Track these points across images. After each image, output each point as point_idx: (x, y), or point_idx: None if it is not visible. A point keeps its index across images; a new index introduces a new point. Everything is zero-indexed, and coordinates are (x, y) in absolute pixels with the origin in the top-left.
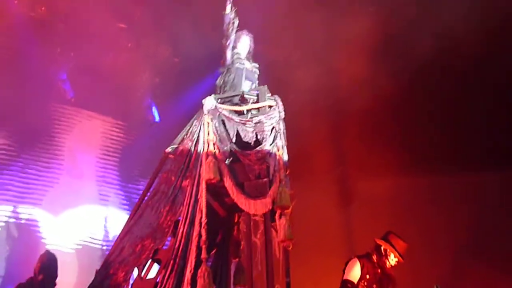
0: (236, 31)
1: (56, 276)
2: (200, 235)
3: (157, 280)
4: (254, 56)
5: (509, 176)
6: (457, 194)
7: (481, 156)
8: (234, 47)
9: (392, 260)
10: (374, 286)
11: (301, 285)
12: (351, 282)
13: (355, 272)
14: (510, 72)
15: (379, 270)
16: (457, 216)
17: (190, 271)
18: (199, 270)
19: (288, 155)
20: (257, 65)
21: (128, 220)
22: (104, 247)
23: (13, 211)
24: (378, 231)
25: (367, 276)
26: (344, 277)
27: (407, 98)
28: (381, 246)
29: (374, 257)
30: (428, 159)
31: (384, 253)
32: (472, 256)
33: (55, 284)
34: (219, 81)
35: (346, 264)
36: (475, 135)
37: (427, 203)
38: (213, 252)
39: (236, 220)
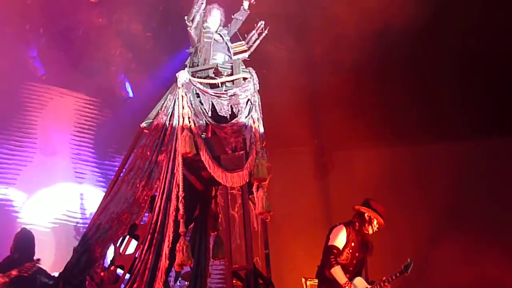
0: (207, 4)
1: (33, 254)
2: (177, 209)
3: (136, 255)
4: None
5: (486, 144)
6: (434, 163)
7: (457, 126)
8: (204, 21)
9: (375, 226)
10: (357, 254)
11: (280, 256)
12: (337, 248)
13: (341, 239)
14: (487, 43)
15: (360, 238)
16: (435, 185)
17: (168, 246)
18: (177, 244)
19: (264, 128)
20: (228, 37)
21: (104, 197)
22: (81, 225)
23: None
24: (355, 201)
25: (352, 244)
26: (330, 243)
27: (382, 70)
28: (364, 213)
29: (357, 225)
30: (404, 130)
31: (367, 220)
32: (449, 224)
33: (33, 261)
34: (188, 62)
35: (330, 231)
36: (451, 105)
37: (404, 172)
38: (191, 226)
39: (213, 194)
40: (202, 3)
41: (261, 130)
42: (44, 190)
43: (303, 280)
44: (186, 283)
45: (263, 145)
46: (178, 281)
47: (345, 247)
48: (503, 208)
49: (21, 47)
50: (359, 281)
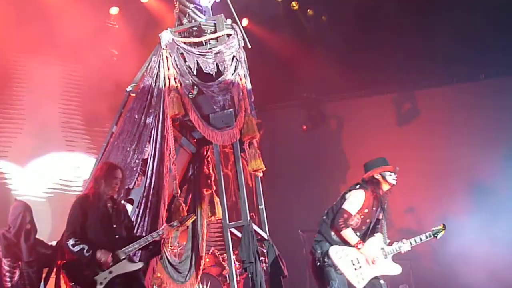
0: None
1: (28, 225)
2: (170, 171)
3: (132, 219)
4: None
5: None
6: (426, 106)
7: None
8: None
9: (390, 179)
10: (368, 220)
11: (276, 210)
12: (348, 213)
13: (356, 204)
14: None
15: (376, 202)
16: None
17: (164, 208)
18: (172, 205)
19: (252, 84)
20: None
21: (95, 163)
22: (76, 193)
23: None
24: (347, 151)
25: (366, 210)
26: (343, 206)
27: (368, 17)
28: (373, 176)
29: (372, 189)
30: (393, 76)
31: (380, 179)
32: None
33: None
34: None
35: (348, 191)
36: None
37: (388, 117)
38: (185, 187)
39: (205, 154)
40: None
41: (249, 86)
42: (36, 160)
43: (300, 232)
44: (184, 243)
45: (252, 101)
46: (176, 241)
47: (357, 212)
48: None
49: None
50: (372, 241)
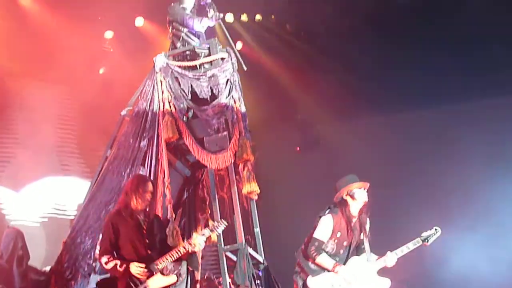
0: None
1: (20, 253)
2: (164, 195)
3: None
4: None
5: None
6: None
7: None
8: (181, 2)
9: (360, 198)
10: (345, 243)
11: (271, 233)
12: (319, 241)
13: (326, 230)
14: None
15: (349, 225)
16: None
17: None
18: (167, 230)
19: (246, 107)
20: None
21: (90, 187)
22: (70, 217)
23: None
24: (342, 172)
25: (338, 234)
26: (314, 234)
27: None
28: (341, 196)
29: (342, 212)
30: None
31: (348, 199)
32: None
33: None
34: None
35: (319, 218)
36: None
37: (389, 141)
38: (180, 210)
39: (200, 177)
40: None
41: (243, 109)
42: (30, 185)
43: (296, 254)
44: (179, 267)
45: (246, 124)
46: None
47: (330, 238)
48: None
49: None
50: (354, 260)
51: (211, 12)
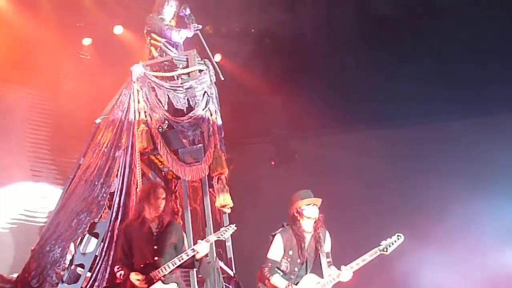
0: None
1: None
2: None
3: (96, 253)
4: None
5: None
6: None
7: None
8: (159, 12)
9: (309, 215)
10: (299, 260)
11: (243, 246)
12: (272, 261)
13: (277, 250)
14: None
15: (301, 242)
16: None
17: None
18: None
19: (222, 119)
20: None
21: (62, 195)
22: (40, 224)
23: None
24: (316, 187)
25: (290, 252)
26: (267, 254)
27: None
28: (292, 214)
29: (293, 229)
30: (356, 116)
31: (298, 217)
32: None
33: None
34: None
35: (272, 237)
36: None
37: (358, 155)
38: None
39: (173, 188)
40: None
41: (219, 122)
42: (0, 190)
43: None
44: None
45: (222, 137)
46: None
47: (282, 257)
48: None
49: None
50: (307, 278)
51: (189, 23)
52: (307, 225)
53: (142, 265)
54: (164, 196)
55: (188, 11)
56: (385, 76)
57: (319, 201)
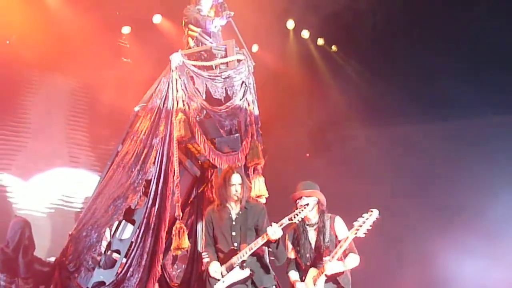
0: None
1: (26, 243)
2: (173, 193)
3: (132, 239)
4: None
5: None
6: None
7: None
8: (197, 3)
9: (301, 208)
10: (308, 255)
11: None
12: (288, 259)
13: (287, 247)
14: None
15: (305, 235)
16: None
17: (165, 230)
18: (174, 228)
19: (259, 109)
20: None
21: (99, 181)
22: (77, 209)
23: None
24: (350, 180)
25: (297, 248)
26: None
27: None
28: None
29: (296, 224)
30: (393, 110)
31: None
32: None
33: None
34: None
35: None
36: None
37: (393, 149)
38: (187, 209)
39: (209, 177)
40: None
41: (256, 112)
42: (39, 175)
43: None
44: (183, 266)
45: (258, 127)
46: (175, 265)
47: (294, 253)
48: None
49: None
50: (309, 272)
51: (221, 11)
52: (308, 217)
53: (224, 251)
54: (239, 182)
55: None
56: (428, 68)
57: (308, 192)
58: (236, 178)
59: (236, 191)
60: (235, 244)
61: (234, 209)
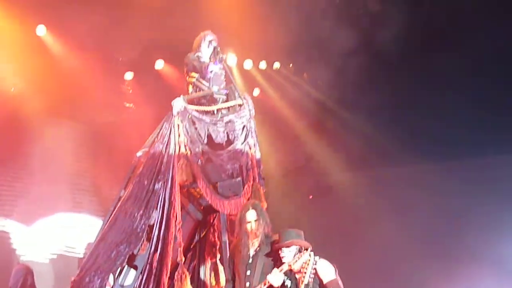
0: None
1: None
2: (175, 238)
3: (135, 286)
4: None
5: None
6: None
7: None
8: (197, 50)
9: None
10: None
11: None
12: None
13: None
14: None
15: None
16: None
17: (167, 275)
18: (176, 273)
19: (261, 153)
20: (222, 66)
21: (102, 227)
22: (80, 255)
23: None
24: (353, 223)
25: None
26: None
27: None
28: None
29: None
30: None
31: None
32: None
33: None
34: None
35: None
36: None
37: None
38: (190, 254)
39: (211, 221)
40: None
41: (258, 156)
42: (42, 220)
43: None
44: None
45: (260, 170)
46: None
47: None
48: None
49: None
50: None
51: (214, 56)
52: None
53: None
54: (255, 218)
55: (214, 44)
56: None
57: (286, 243)
58: (250, 215)
59: (252, 228)
60: (247, 284)
61: (252, 246)
